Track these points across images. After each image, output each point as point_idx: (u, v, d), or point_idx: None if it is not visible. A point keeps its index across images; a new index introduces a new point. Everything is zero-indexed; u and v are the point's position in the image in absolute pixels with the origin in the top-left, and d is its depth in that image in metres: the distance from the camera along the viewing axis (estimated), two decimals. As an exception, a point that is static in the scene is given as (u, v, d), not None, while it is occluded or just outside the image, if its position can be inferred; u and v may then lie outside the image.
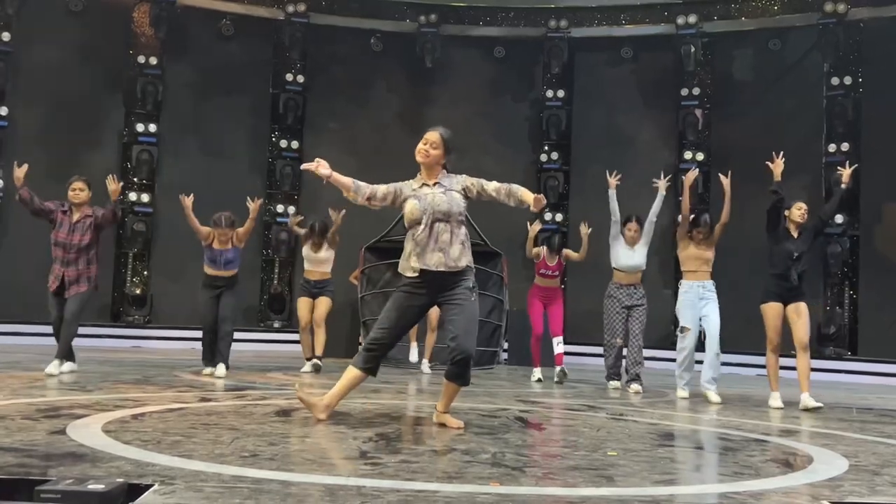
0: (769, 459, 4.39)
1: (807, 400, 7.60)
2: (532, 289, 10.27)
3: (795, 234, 7.85)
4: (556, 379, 9.82)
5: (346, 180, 5.16)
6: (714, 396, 8.09)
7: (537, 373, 10.05)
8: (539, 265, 10.12)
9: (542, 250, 10.05)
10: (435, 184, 5.12)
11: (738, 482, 3.63)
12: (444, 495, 3.06)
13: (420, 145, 5.14)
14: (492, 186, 5.21)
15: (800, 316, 7.73)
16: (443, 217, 5.01)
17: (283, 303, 14.94)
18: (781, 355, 7.99)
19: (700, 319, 8.46)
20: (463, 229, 5.11)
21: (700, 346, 8.67)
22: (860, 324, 13.42)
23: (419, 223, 5.02)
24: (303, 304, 10.03)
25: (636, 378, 9.01)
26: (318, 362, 9.83)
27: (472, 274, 5.15)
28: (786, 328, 7.87)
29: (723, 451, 4.69)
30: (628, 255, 9.26)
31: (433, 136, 5.15)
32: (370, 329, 5.72)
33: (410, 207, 5.05)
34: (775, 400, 7.73)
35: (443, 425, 5.10)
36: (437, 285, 5.05)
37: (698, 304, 8.44)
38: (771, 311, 7.79)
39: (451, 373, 5.09)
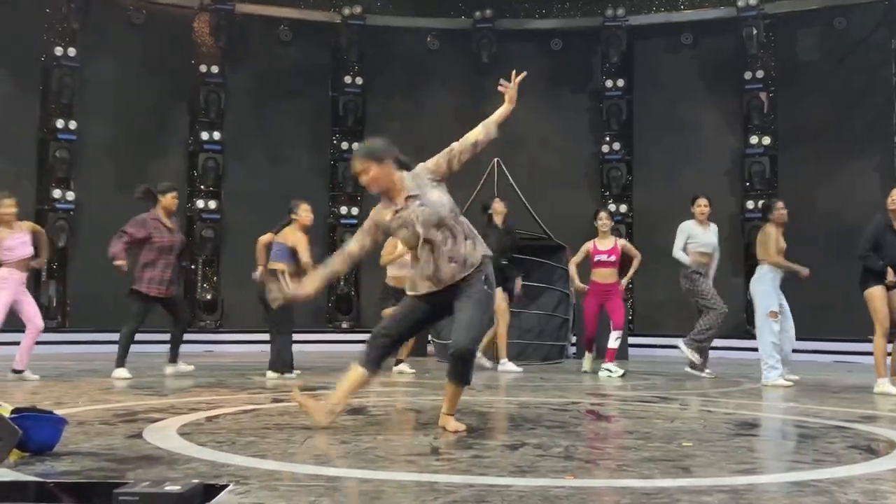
0: (850, 446, 4.27)
1: None
2: (589, 286, 9.70)
3: None
4: (601, 373, 9.13)
5: (321, 279, 4.65)
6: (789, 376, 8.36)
7: (587, 360, 9.74)
8: (592, 251, 9.59)
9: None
10: (406, 199, 4.47)
11: (820, 470, 3.53)
12: (518, 489, 3.03)
13: (361, 180, 4.55)
14: (466, 143, 4.64)
15: None
16: (436, 225, 4.43)
17: (350, 304, 15.05)
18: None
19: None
20: (461, 222, 4.54)
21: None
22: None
23: (417, 245, 4.46)
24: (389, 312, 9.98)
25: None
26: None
27: (489, 264, 4.56)
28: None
29: (802, 438, 4.57)
30: (706, 233, 9.19)
31: (356, 165, 4.54)
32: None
33: (403, 237, 4.56)
34: (881, 386, 7.36)
35: (444, 428, 4.54)
36: (452, 288, 4.49)
37: (778, 291, 8.40)
38: (876, 294, 7.48)
39: (449, 371, 4.53)
